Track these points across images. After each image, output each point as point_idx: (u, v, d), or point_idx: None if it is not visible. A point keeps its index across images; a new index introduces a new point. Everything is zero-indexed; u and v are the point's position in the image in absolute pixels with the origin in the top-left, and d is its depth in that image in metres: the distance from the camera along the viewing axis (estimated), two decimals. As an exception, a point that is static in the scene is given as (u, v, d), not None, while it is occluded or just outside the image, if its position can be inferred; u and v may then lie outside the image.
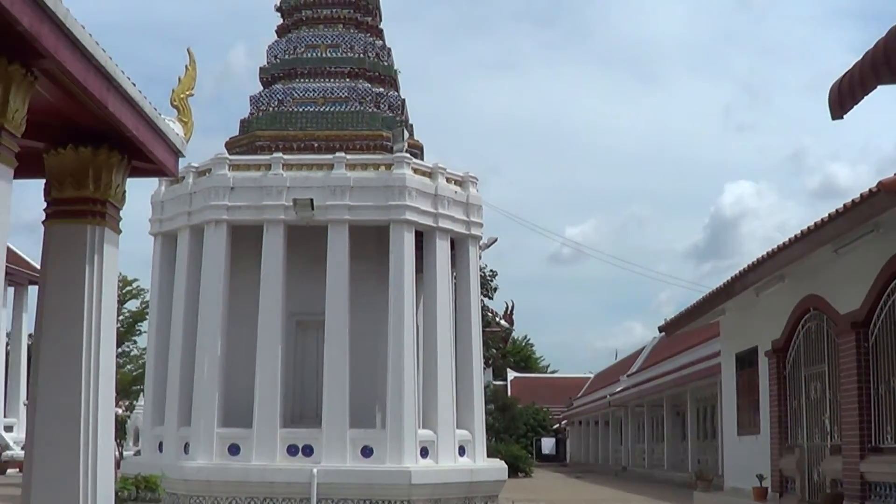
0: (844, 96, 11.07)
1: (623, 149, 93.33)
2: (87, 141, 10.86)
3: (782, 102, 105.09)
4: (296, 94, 34.52)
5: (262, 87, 35.88)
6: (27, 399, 13.42)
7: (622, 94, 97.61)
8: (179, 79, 12.35)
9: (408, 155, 31.46)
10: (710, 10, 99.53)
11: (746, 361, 27.66)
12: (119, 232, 11.59)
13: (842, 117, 11.32)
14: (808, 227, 18.88)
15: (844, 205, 16.92)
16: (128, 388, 66.87)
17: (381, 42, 36.73)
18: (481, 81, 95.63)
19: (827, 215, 17.86)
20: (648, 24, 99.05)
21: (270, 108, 34.45)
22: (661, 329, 36.05)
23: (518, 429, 72.97)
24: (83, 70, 9.29)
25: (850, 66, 10.93)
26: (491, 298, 61.87)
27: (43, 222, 11.15)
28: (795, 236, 19.84)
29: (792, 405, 23.96)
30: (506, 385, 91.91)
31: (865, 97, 10.88)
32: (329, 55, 35.31)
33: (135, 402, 52.62)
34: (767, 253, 21.87)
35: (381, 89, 35.12)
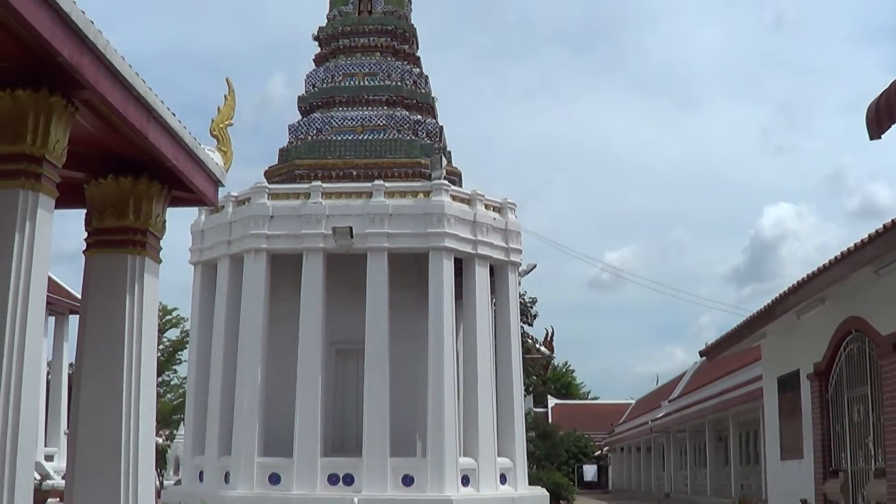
0: (882, 116, 10.97)
1: (662, 172, 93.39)
2: (128, 171, 10.90)
3: (820, 123, 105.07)
4: (334, 123, 34.61)
5: (300, 116, 36.00)
6: (68, 428, 13.48)
7: (659, 118, 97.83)
8: (219, 108, 12.39)
9: (446, 182, 31.45)
10: (746, 32, 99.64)
11: (788, 385, 27.40)
12: (159, 261, 11.62)
13: (880, 137, 11.22)
14: (848, 249, 18.71)
15: (884, 225, 16.76)
16: (168, 418, 67.11)
17: (418, 70, 36.80)
18: (519, 107, 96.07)
19: (867, 236, 17.69)
20: (684, 47, 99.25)
21: (309, 137, 34.54)
22: (702, 353, 35.81)
23: (559, 456, 72.54)
24: (123, 100, 9.33)
25: (887, 86, 10.83)
26: (531, 325, 61.61)
27: (84, 252, 11.19)
28: (835, 258, 19.67)
29: (835, 428, 23.70)
30: (547, 412, 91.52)
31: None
32: (367, 83, 35.40)
33: (175, 432, 52.78)
34: (807, 275, 21.69)
35: (419, 117, 35.16)
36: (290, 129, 35.47)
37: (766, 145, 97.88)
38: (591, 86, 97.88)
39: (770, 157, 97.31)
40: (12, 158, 8.50)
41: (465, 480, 29.52)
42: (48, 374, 41.27)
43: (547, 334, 67.44)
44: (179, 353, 72.33)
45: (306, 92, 36.29)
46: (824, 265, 20.38)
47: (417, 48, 37.94)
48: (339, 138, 34.19)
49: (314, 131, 34.57)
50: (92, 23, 8.43)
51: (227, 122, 12.41)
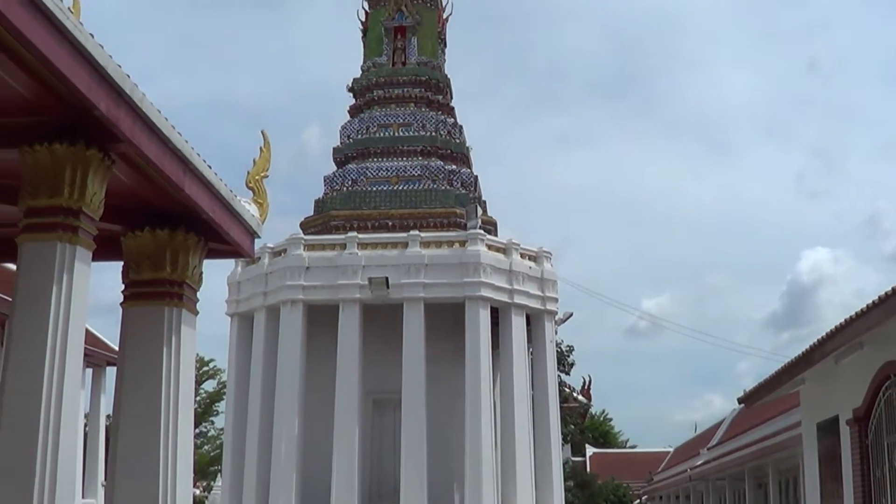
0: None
1: (698, 218, 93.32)
2: (164, 223, 10.95)
3: (856, 166, 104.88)
4: (369, 174, 34.74)
5: (335, 167, 36.16)
6: (105, 480, 13.47)
7: (694, 164, 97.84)
8: (254, 160, 12.44)
9: (481, 231, 31.49)
10: (779, 76, 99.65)
11: (828, 431, 27.11)
12: (196, 313, 11.64)
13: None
14: (886, 293, 18.54)
15: (923, 270, 16.61)
16: (205, 469, 67.01)
17: (452, 120, 36.93)
18: (554, 155, 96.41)
19: (905, 280, 17.54)
20: (717, 92, 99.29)
21: (344, 188, 34.68)
22: (740, 401, 35.49)
23: (598, 506, 71.96)
24: (160, 153, 9.40)
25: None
26: (568, 374, 61.41)
27: (121, 304, 11.23)
28: (873, 302, 19.49)
29: (875, 474, 23.41)
30: (584, 461, 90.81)
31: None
32: (401, 134, 35.55)
33: (213, 483, 52.69)
34: (845, 320, 21.50)
35: (454, 166, 35.26)
36: (325, 181, 35.63)
37: (801, 189, 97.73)
38: (625, 132, 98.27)
39: (805, 201, 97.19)
40: (50, 211, 8.57)
41: (504, 531, 29.36)
42: (85, 425, 41.35)
43: (584, 383, 67.21)
44: (216, 404, 72.33)
45: (341, 143, 36.47)
46: (862, 310, 20.21)
47: (451, 98, 38.09)
48: (375, 189, 34.32)
49: (349, 182, 34.71)
50: (128, 76, 8.51)
51: (262, 174, 12.45)
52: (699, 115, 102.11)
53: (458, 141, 36.28)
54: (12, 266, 9.68)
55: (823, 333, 23.49)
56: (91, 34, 7.86)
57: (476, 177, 36.03)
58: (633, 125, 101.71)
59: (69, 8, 7.72)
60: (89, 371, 40.59)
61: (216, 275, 33.31)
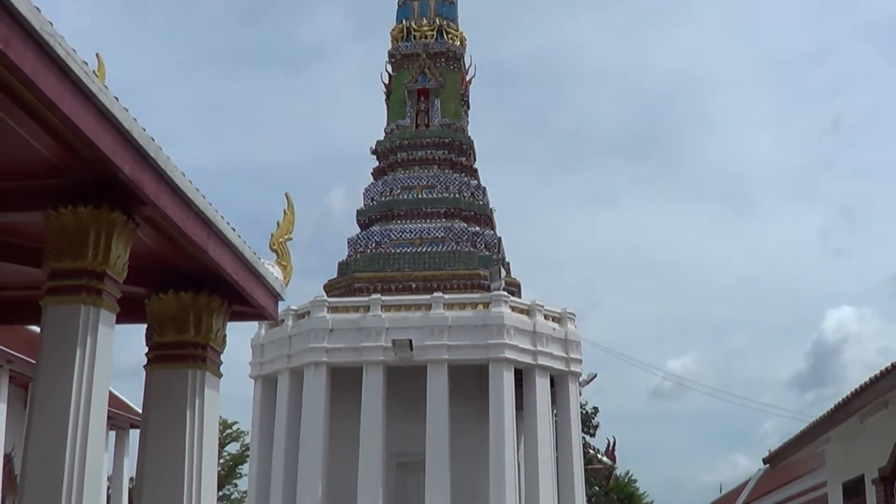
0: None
1: (722, 278, 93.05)
2: (188, 285, 10.96)
3: (881, 224, 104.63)
4: (393, 236, 34.81)
5: (359, 229, 36.25)
6: (130, 544, 13.48)
7: (717, 224, 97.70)
8: (278, 223, 12.47)
9: (505, 293, 31.47)
10: (800, 136, 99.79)
11: (853, 491, 26.86)
12: (220, 375, 11.62)
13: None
14: (911, 352, 18.43)
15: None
16: (229, 532, 66.61)
17: (475, 181, 37.02)
18: (577, 216, 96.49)
19: (931, 338, 17.42)
20: (740, 152, 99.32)
21: (368, 250, 34.73)
22: (765, 461, 35.21)
23: (624, 568, 71.35)
24: (184, 216, 9.42)
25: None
26: (592, 435, 60.96)
27: (145, 366, 11.22)
28: (898, 360, 19.36)
29: (901, 533, 23.17)
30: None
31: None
32: (425, 196, 35.63)
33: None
34: (870, 379, 21.37)
35: (477, 228, 35.29)
36: (349, 243, 35.70)
37: (826, 248, 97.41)
38: (649, 193, 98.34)
39: (830, 260, 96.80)
40: (74, 274, 8.59)
41: None
42: (109, 488, 41.28)
43: (609, 444, 66.66)
44: (240, 467, 71.99)
45: (365, 205, 36.57)
46: (887, 368, 20.08)
47: (475, 160, 38.20)
48: (398, 251, 34.36)
49: (373, 244, 34.76)
50: (153, 139, 8.56)
51: (286, 237, 12.47)
52: (722, 175, 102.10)
53: (481, 202, 36.35)
54: (36, 328, 9.69)
55: (848, 393, 23.37)
56: (116, 97, 7.92)
57: (499, 238, 36.07)
58: (657, 186, 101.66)
59: (94, 71, 7.79)
60: (113, 433, 40.57)
61: (240, 337, 33.36)
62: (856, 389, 22.70)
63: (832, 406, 24.96)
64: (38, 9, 6.82)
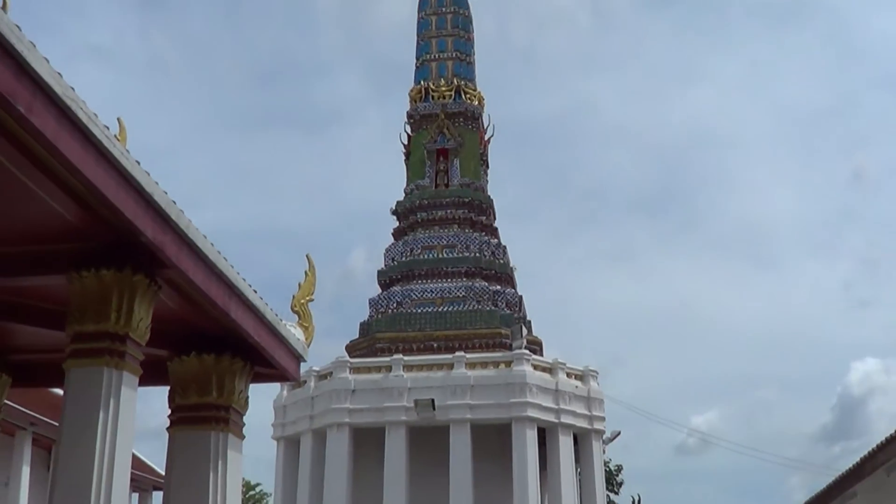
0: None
1: (744, 333, 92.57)
2: (210, 348, 10.98)
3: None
4: (414, 296, 34.84)
5: (380, 290, 36.31)
6: None
7: (739, 279, 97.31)
8: (299, 284, 12.49)
9: (527, 351, 31.43)
10: (821, 189, 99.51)
11: (879, 542, 26.64)
12: (242, 437, 11.61)
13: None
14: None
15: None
16: None
17: (496, 240, 37.08)
18: (598, 273, 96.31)
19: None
20: (759, 207, 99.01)
21: (389, 310, 34.76)
22: (793, 518, 34.95)
23: None
24: (206, 279, 9.46)
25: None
26: (617, 493, 60.54)
27: (167, 428, 11.22)
28: (924, 414, 19.24)
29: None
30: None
31: None
32: (445, 256, 35.70)
33: None
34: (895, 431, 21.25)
35: (498, 287, 35.31)
36: (370, 303, 35.74)
37: (849, 300, 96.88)
38: (669, 249, 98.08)
39: (854, 311, 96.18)
40: (97, 337, 8.62)
41: None
42: (133, 552, 41.18)
43: (633, 501, 66.13)
44: (263, 529, 71.74)
45: (386, 265, 36.65)
46: (911, 420, 19.97)
47: (495, 219, 38.29)
48: (419, 311, 34.38)
49: (394, 304, 34.80)
50: (174, 202, 8.60)
51: (307, 298, 12.49)
52: (743, 230, 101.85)
53: (501, 261, 36.38)
54: (60, 391, 9.71)
55: (874, 445, 23.24)
56: (137, 161, 7.98)
57: (521, 297, 36.06)
58: (678, 241, 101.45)
59: (116, 135, 7.85)
60: (136, 496, 40.55)
61: (262, 398, 33.36)
62: (881, 442, 22.56)
63: (858, 459, 24.82)
64: (59, 74, 6.89)
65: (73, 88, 7.05)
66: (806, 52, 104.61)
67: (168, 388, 11.34)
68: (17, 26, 6.39)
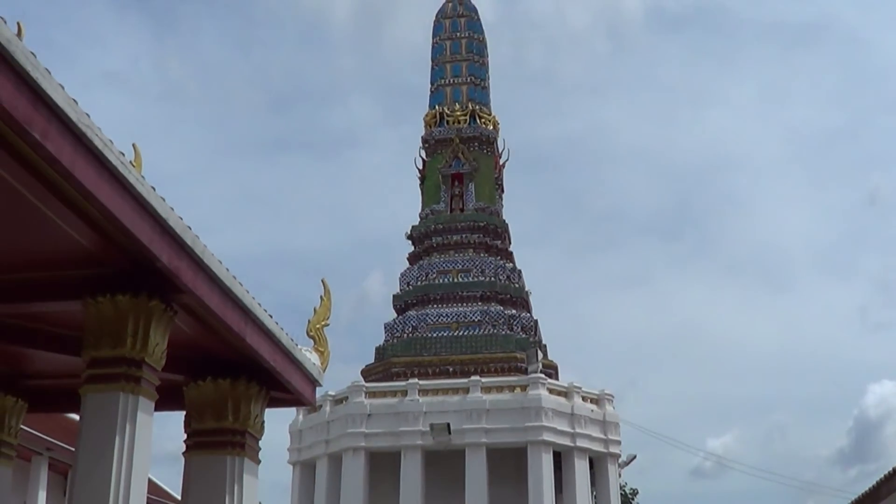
0: None
1: (760, 356, 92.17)
2: (226, 372, 10.99)
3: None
4: (429, 320, 34.84)
5: (395, 314, 36.31)
6: None
7: (754, 301, 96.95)
8: (315, 309, 12.50)
9: (542, 375, 31.40)
10: (837, 211, 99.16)
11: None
12: (258, 462, 11.61)
13: None
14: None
15: None
16: None
17: (511, 264, 37.07)
18: (613, 297, 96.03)
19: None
20: (773, 230, 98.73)
21: (405, 335, 34.77)
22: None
23: None
24: (221, 304, 9.47)
25: None
26: (633, 517, 60.39)
27: (183, 453, 11.22)
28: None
29: None
30: None
31: None
32: (461, 280, 35.71)
33: None
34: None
35: (514, 311, 35.29)
36: (385, 328, 35.75)
37: (865, 323, 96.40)
38: (684, 273, 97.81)
39: (870, 334, 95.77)
40: (113, 362, 8.64)
41: None
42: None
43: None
44: (279, 554, 71.67)
45: (401, 290, 36.67)
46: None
47: (510, 243, 38.29)
48: (435, 335, 34.38)
49: (410, 329, 34.80)
50: (189, 228, 8.63)
51: (323, 323, 12.50)
52: (758, 253, 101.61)
53: (517, 285, 36.38)
54: (76, 416, 9.73)
55: (890, 468, 23.18)
56: (153, 187, 8.01)
57: (536, 321, 36.03)
58: (692, 264, 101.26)
59: (131, 161, 7.89)
60: (152, 522, 40.45)
61: (277, 423, 33.34)
62: (896, 466, 22.46)
63: (874, 483, 24.75)
64: (75, 101, 6.93)
65: (88, 115, 7.09)
66: (818, 75, 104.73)
67: (184, 412, 11.35)
68: (33, 53, 6.44)
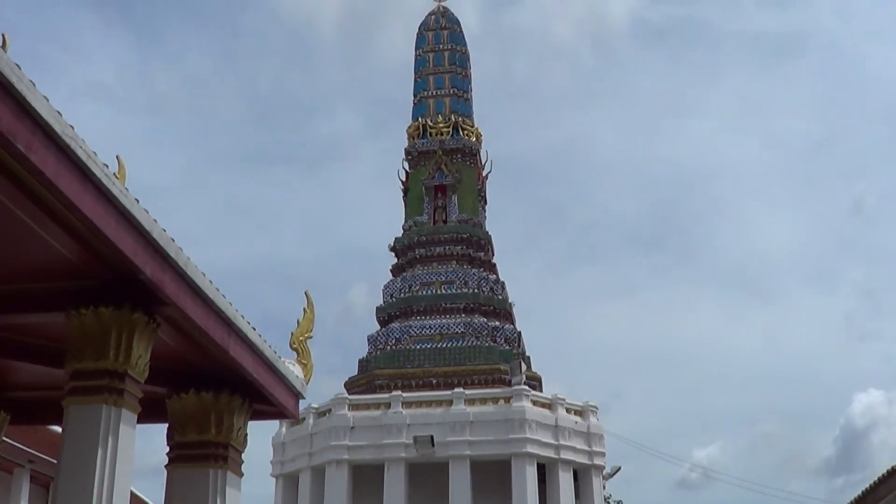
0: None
1: (745, 366, 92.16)
2: (209, 385, 10.98)
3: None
4: (412, 332, 34.84)
5: (379, 326, 36.30)
6: None
7: (739, 312, 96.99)
8: (298, 321, 12.49)
9: (526, 387, 31.40)
10: (821, 220, 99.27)
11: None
12: (241, 475, 11.58)
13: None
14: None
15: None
16: None
17: (494, 276, 37.10)
18: (597, 308, 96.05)
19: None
20: (757, 239, 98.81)
21: (388, 347, 34.75)
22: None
23: None
24: (204, 316, 9.47)
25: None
26: (618, 529, 60.40)
27: (166, 466, 11.20)
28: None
29: None
30: None
31: None
32: (444, 292, 35.72)
33: None
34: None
35: (497, 322, 35.30)
36: (368, 340, 35.74)
37: (850, 332, 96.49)
38: (667, 283, 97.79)
39: (855, 343, 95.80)
40: (95, 374, 8.62)
41: None
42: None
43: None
44: (262, 568, 71.41)
45: (384, 302, 36.67)
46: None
47: (493, 254, 38.34)
48: (418, 347, 34.38)
49: (393, 341, 34.80)
50: (173, 240, 8.63)
51: (306, 335, 12.49)
52: (741, 263, 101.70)
53: (500, 297, 36.39)
54: (58, 428, 9.70)
55: (876, 478, 23.28)
56: (137, 199, 8.01)
57: (519, 332, 36.05)
58: (675, 275, 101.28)
59: (115, 173, 7.88)
60: (134, 535, 40.29)
61: (260, 435, 33.26)
62: (882, 475, 22.58)
63: (858, 493, 24.83)
64: (59, 112, 6.92)
65: (72, 127, 7.09)
66: (800, 85, 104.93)
67: (167, 425, 11.33)
68: (18, 65, 6.43)
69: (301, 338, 12.44)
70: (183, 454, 11.09)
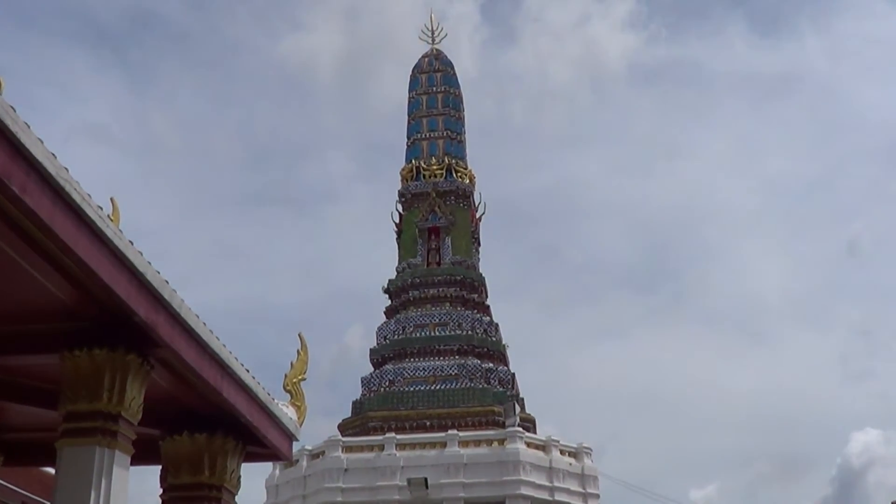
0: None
1: (741, 407, 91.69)
2: (202, 427, 10.96)
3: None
4: (406, 374, 34.80)
5: (372, 368, 36.26)
6: None
7: (733, 354, 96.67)
8: (292, 363, 12.49)
9: (520, 429, 31.34)
10: (815, 262, 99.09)
11: None
12: (234, 517, 11.56)
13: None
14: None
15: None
16: None
17: (488, 318, 37.08)
18: (591, 349, 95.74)
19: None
20: (750, 281, 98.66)
21: (381, 389, 34.70)
22: None
23: None
24: (198, 358, 9.47)
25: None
26: (612, 573, 60.13)
27: (160, 509, 11.18)
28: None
29: None
30: None
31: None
32: (438, 334, 35.70)
33: None
34: (893, 502, 21.32)
35: (491, 364, 35.27)
36: (362, 382, 35.69)
37: (846, 372, 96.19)
38: (661, 325, 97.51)
39: (851, 383, 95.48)
40: (89, 416, 8.62)
41: None
42: None
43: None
44: None
45: (378, 344, 36.64)
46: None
47: (487, 296, 38.32)
48: (412, 389, 34.33)
49: (386, 383, 34.75)
50: (167, 282, 8.65)
51: (300, 377, 12.48)
52: (735, 304, 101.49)
53: (494, 339, 36.39)
54: (51, 470, 9.69)
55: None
56: (131, 241, 8.03)
57: (513, 374, 36.01)
58: (669, 317, 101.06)
59: (109, 216, 7.91)
60: (127, 580, 40.03)
61: (254, 477, 33.10)
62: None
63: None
64: (54, 155, 6.96)
65: (67, 169, 7.12)
66: (792, 126, 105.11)
67: (160, 467, 11.31)
68: (13, 108, 6.47)
69: (295, 380, 12.44)
70: (176, 496, 11.06)
